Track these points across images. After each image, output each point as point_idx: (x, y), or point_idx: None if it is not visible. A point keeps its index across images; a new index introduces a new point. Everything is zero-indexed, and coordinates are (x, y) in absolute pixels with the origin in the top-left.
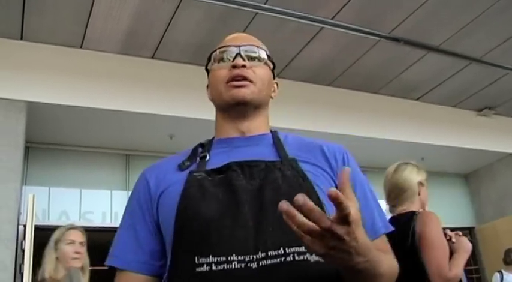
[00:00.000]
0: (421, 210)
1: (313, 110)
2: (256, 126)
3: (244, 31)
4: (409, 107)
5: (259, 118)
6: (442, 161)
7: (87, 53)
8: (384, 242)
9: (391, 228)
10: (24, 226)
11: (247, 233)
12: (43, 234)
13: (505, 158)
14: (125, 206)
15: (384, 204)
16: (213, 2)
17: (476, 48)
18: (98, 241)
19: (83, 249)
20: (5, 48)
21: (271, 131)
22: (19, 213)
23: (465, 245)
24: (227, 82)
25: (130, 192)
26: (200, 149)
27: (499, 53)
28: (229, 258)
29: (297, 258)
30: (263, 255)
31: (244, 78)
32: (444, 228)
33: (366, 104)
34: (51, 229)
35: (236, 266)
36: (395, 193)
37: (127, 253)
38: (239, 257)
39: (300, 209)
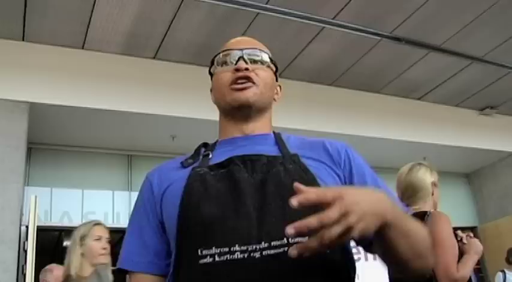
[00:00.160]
0: (432, 210)
1: (315, 110)
2: (259, 127)
3: (245, 31)
4: (410, 106)
5: (262, 120)
6: (444, 161)
7: (89, 53)
8: None
9: (409, 211)
10: (27, 227)
11: (249, 224)
12: (45, 235)
13: (507, 157)
14: (126, 206)
15: None
16: (215, 2)
17: (478, 47)
18: None
19: (108, 246)
20: (7, 49)
21: (273, 133)
22: (21, 214)
23: (476, 247)
24: (230, 85)
25: (132, 193)
26: (203, 149)
27: (501, 52)
28: (232, 248)
29: None
30: (266, 245)
31: (247, 81)
32: (455, 229)
33: (367, 104)
34: (53, 230)
35: (239, 256)
36: (409, 193)
37: (133, 255)
38: (242, 247)
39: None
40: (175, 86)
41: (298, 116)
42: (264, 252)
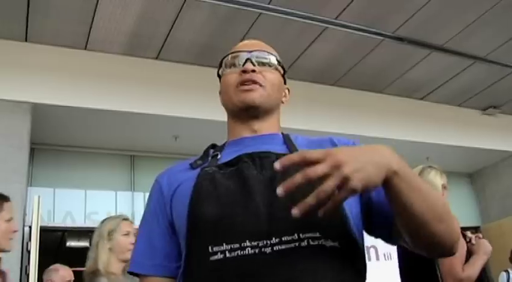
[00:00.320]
0: None
1: (317, 110)
2: (267, 127)
3: (248, 32)
4: (413, 106)
5: (270, 120)
6: (447, 160)
7: (91, 54)
8: None
9: None
10: (30, 227)
11: (259, 219)
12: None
13: (510, 157)
14: (129, 206)
15: None
16: (217, 2)
17: (481, 47)
18: None
19: None
20: (10, 50)
21: (282, 133)
22: (24, 215)
23: (485, 247)
24: (236, 86)
25: (135, 193)
26: (212, 150)
27: (504, 51)
28: (242, 244)
29: (312, 243)
30: (277, 240)
31: (254, 82)
32: (470, 229)
33: (370, 104)
34: (56, 230)
35: (250, 252)
36: None
37: (143, 258)
38: (252, 243)
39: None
40: (178, 86)
41: (301, 116)
42: (274, 248)
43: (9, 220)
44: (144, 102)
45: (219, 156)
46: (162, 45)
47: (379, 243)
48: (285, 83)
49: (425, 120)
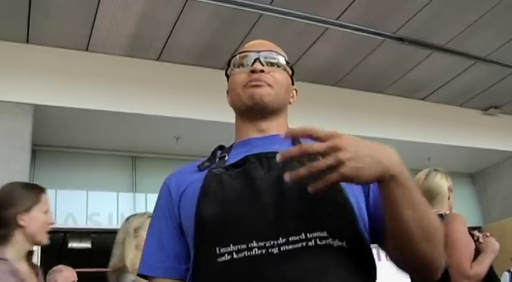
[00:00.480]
0: (448, 212)
1: (318, 111)
2: (275, 127)
3: (249, 32)
4: (414, 106)
5: (277, 120)
6: (448, 161)
7: (93, 55)
8: None
9: None
10: None
11: (266, 220)
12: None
13: (511, 157)
14: (131, 207)
15: None
16: (218, 3)
17: (482, 47)
18: (105, 243)
19: None
20: (12, 52)
21: None
22: None
23: (492, 245)
24: (245, 85)
25: (136, 194)
26: (219, 152)
27: (505, 51)
28: (249, 245)
29: (319, 242)
30: (284, 240)
31: (263, 82)
32: (472, 229)
33: (371, 104)
34: (58, 231)
35: (257, 252)
36: (427, 197)
37: (153, 260)
38: (259, 243)
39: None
40: (179, 87)
41: (302, 116)
42: (282, 248)
43: (45, 212)
44: (146, 103)
45: (226, 158)
46: (163, 47)
47: None
48: (292, 83)
49: (427, 121)
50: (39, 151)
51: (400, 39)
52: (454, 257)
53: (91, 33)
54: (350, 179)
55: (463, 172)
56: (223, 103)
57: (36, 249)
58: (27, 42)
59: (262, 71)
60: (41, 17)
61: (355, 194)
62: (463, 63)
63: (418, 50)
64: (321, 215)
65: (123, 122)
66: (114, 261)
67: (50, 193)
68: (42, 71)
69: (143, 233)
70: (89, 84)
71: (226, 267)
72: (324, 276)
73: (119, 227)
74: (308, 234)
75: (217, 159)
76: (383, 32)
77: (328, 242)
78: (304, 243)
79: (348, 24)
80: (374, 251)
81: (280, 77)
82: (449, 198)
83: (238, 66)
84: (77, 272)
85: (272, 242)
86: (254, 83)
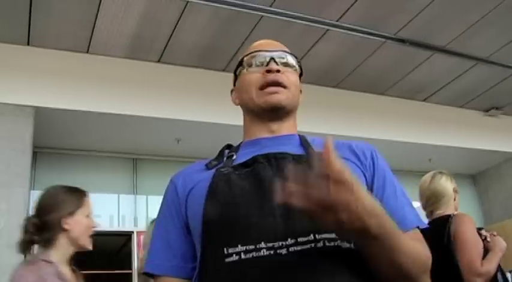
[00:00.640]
0: (456, 212)
1: (319, 112)
2: (285, 127)
3: (250, 34)
4: (415, 108)
5: (288, 121)
6: (450, 162)
7: (93, 57)
8: (415, 235)
9: (423, 222)
10: None
11: (275, 221)
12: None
13: None
14: (132, 209)
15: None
16: (219, 5)
17: (483, 48)
18: (106, 245)
19: None
20: (12, 54)
21: (298, 135)
22: None
23: (500, 244)
24: (261, 88)
25: (137, 196)
26: (227, 150)
27: (506, 52)
28: (257, 246)
29: (327, 244)
30: (292, 241)
31: (279, 84)
32: (479, 229)
33: (372, 106)
34: None
35: (265, 253)
36: (434, 199)
37: (159, 259)
38: (268, 244)
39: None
40: (180, 89)
41: (303, 117)
42: (290, 249)
43: (88, 216)
44: (146, 105)
45: (234, 157)
46: (164, 48)
47: None
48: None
49: (428, 122)
50: (40, 153)
51: (401, 41)
52: (464, 256)
53: (92, 34)
54: (331, 227)
55: (464, 173)
56: (223, 105)
57: None
58: (28, 44)
59: (278, 71)
60: (42, 19)
61: None
62: (464, 64)
63: (419, 51)
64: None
65: (124, 124)
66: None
67: None
68: (43, 73)
69: None
70: (89, 86)
71: (234, 267)
72: (332, 278)
73: (120, 229)
74: (317, 236)
75: (225, 158)
76: (384, 34)
77: (336, 244)
78: (312, 245)
79: (349, 25)
80: None
81: (294, 77)
82: (454, 200)
83: (250, 66)
84: None
85: (280, 243)
86: (272, 90)
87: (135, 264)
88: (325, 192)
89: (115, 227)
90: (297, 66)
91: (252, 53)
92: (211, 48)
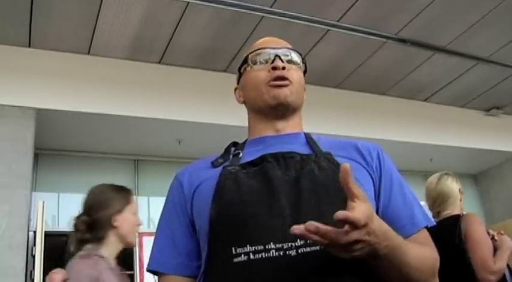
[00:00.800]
0: (465, 212)
1: (320, 112)
2: (291, 126)
3: (250, 35)
4: (416, 108)
5: (294, 119)
6: (451, 162)
7: (94, 59)
8: (424, 235)
9: (432, 222)
10: (34, 232)
11: (284, 221)
12: (53, 240)
13: None
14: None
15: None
16: (220, 6)
17: (484, 47)
18: None
19: None
20: (14, 56)
21: (304, 133)
22: (29, 220)
23: (507, 242)
24: (268, 83)
25: (139, 197)
26: (233, 148)
27: (507, 52)
28: (267, 246)
29: None
30: (302, 242)
31: (285, 79)
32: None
33: (373, 106)
34: (61, 235)
35: (274, 254)
36: (440, 200)
37: (164, 256)
38: (277, 245)
39: (315, 233)
40: (181, 90)
41: (304, 118)
42: (299, 250)
43: (134, 213)
44: (148, 106)
45: (240, 155)
46: (165, 49)
47: None
48: None
49: (429, 122)
50: (41, 155)
51: (402, 41)
52: (477, 255)
53: (93, 35)
54: (344, 256)
55: (466, 173)
56: (225, 106)
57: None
58: (29, 46)
59: (283, 68)
60: (43, 20)
61: (370, 198)
62: (465, 64)
63: (419, 51)
64: None
65: (125, 126)
66: None
67: (52, 197)
68: (45, 74)
69: None
70: (91, 87)
71: (243, 267)
72: (341, 279)
73: None
74: None
75: (231, 156)
76: (385, 34)
77: None
78: (322, 246)
79: (350, 25)
80: None
81: (298, 75)
82: (460, 200)
83: (255, 63)
84: None
85: (290, 244)
86: (278, 83)
87: (137, 265)
88: (344, 238)
89: None
90: (301, 63)
91: (257, 50)
92: (212, 48)
